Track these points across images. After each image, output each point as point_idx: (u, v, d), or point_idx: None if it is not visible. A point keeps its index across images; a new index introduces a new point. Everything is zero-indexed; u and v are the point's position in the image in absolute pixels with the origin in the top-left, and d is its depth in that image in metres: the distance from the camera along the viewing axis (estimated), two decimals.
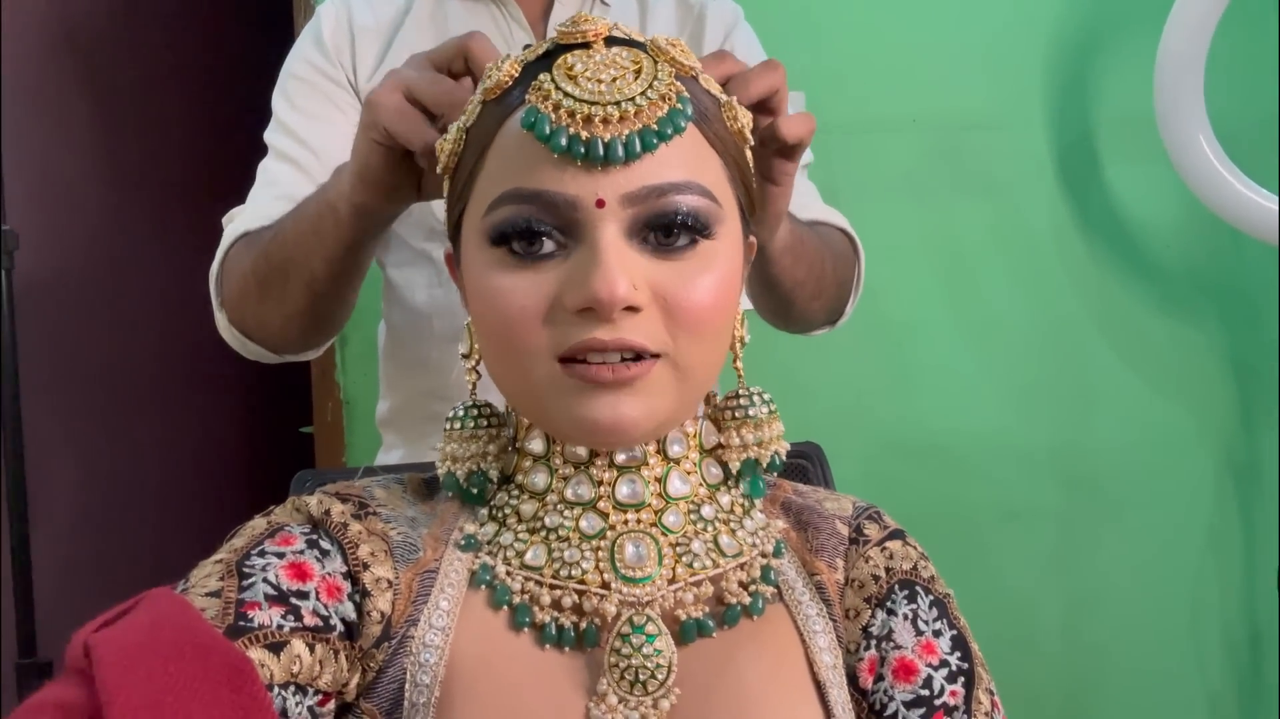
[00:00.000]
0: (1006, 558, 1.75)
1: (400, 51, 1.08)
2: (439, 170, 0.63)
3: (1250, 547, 1.77)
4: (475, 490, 0.63)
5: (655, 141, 0.55)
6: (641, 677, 0.57)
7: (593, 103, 0.55)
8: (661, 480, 0.61)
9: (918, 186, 1.73)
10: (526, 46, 1.08)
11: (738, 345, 0.63)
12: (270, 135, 1.08)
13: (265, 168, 1.07)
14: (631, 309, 0.55)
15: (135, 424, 1.99)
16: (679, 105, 0.56)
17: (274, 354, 0.98)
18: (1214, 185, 1.53)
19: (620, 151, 0.54)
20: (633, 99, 0.55)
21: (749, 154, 0.63)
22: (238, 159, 2.25)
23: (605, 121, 0.55)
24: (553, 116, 0.55)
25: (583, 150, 0.54)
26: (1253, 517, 1.77)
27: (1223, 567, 1.78)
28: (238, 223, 0.98)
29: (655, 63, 0.58)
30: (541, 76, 0.57)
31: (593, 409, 0.56)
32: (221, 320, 0.96)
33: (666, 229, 0.56)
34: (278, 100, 1.09)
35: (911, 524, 0.68)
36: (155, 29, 2.06)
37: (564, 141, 0.54)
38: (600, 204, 0.55)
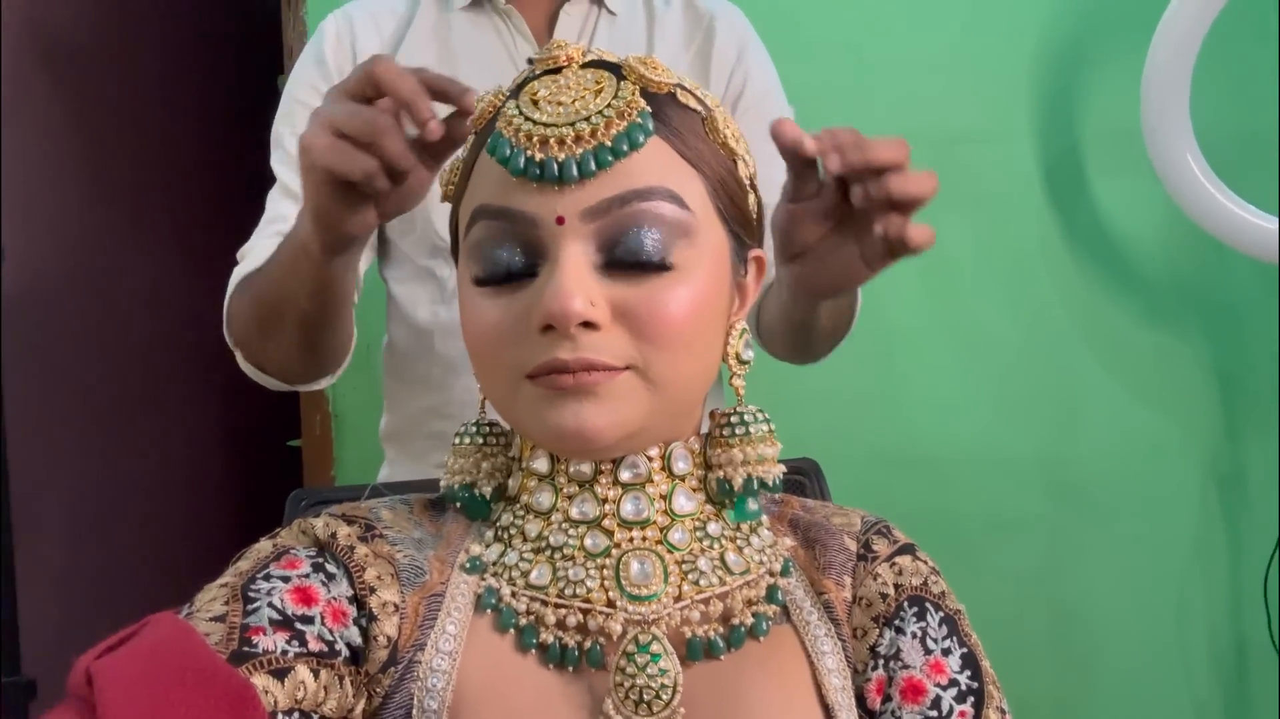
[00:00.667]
0: (994, 568, 1.75)
1: (407, 63, 1.08)
2: (441, 199, 0.64)
3: (1236, 556, 1.78)
4: (474, 502, 0.63)
5: (610, 159, 0.56)
6: (646, 696, 0.56)
7: (549, 124, 0.56)
8: (667, 497, 0.61)
9: None
10: (530, 60, 1.09)
11: (734, 363, 0.63)
12: (274, 164, 1.08)
13: (271, 200, 1.07)
14: (590, 325, 0.55)
15: (121, 438, 1.97)
16: (638, 120, 0.57)
17: (288, 385, 1.00)
18: (1199, 199, 1.54)
19: (574, 170, 0.56)
20: (588, 118, 0.56)
21: (740, 167, 0.63)
22: (225, 173, 2.24)
23: (560, 142, 0.56)
24: (513, 140, 0.57)
25: (538, 171, 0.56)
26: (1238, 527, 1.78)
27: (1209, 576, 1.79)
28: (243, 264, 1.00)
29: (620, 81, 0.58)
30: (508, 104, 0.58)
31: (559, 416, 0.56)
32: (239, 357, 0.98)
33: (635, 241, 0.56)
34: (280, 127, 1.08)
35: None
36: (141, 42, 2.05)
37: (521, 163, 0.56)
38: (560, 221, 0.56)
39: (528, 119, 0.57)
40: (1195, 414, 1.78)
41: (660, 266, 0.57)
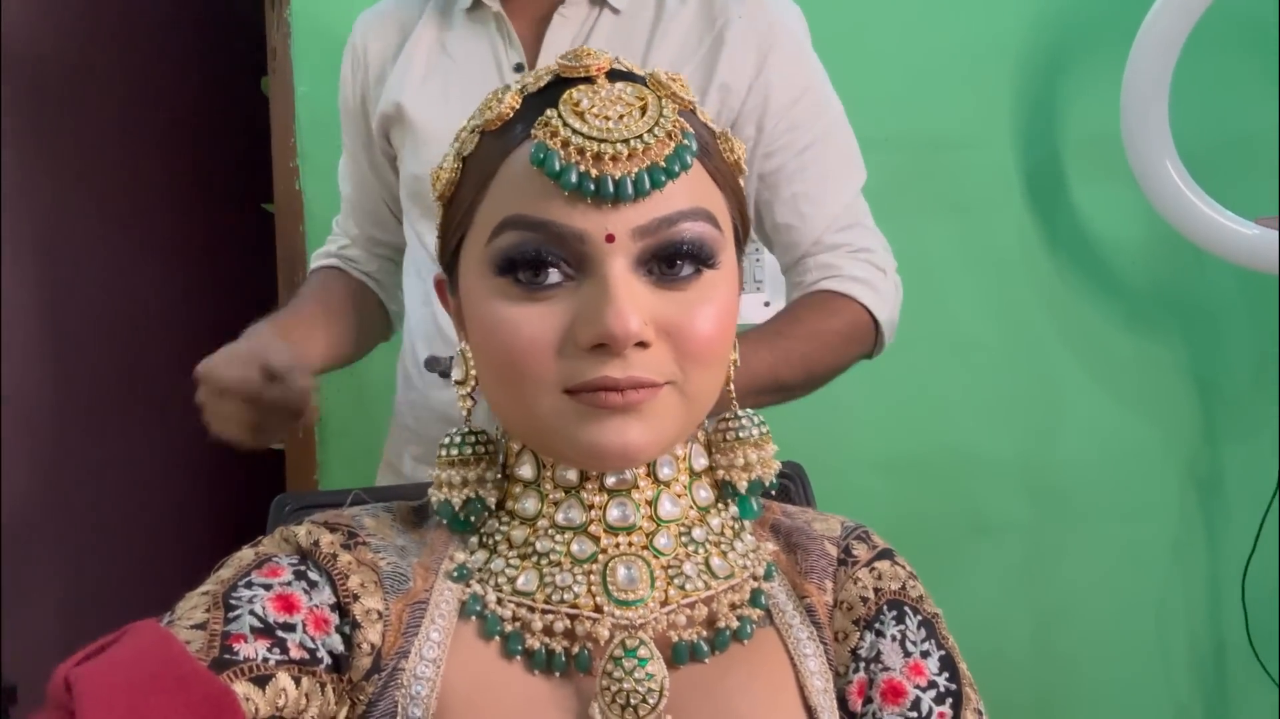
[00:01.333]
0: (976, 571, 1.76)
1: (402, 72, 1.11)
2: (435, 198, 0.63)
3: (1215, 559, 1.80)
4: (472, 519, 0.63)
5: (664, 179, 0.55)
6: (633, 700, 0.57)
7: (602, 140, 0.55)
8: (652, 503, 0.61)
9: (888, 204, 1.71)
10: (518, 67, 1.08)
11: (731, 369, 0.63)
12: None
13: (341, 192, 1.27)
14: (641, 344, 0.55)
15: (104, 442, 1.95)
16: (685, 142, 0.57)
17: None
18: (1178, 206, 1.55)
19: (630, 189, 0.55)
20: (640, 136, 0.56)
21: (742, 183, 0.64)
22: (209, 175, 2.23)
23: (615, 159, 0.55)
24: (562, 153, 0.55)
25: (593, 187, 0.55)
26: (1217, 530, 1.80)
27: (1188, 579, 1.80)
28: (316, 260, 1.25)
29: (659, 99, 0.58)
30: (549, 112, 0.57)
31: (600, 434, 0.56)
32: None
33: (670, 259, 0.56)
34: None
35: (882, 537, 0.68)
36: (124, 44, 2.04)
37: (574, 178, 0.55)
38: (610, 239, 0.55)
39: (576, 132, 0.56)
40: (1174, 418, 1.80)
41: (698, 286, 0.57)
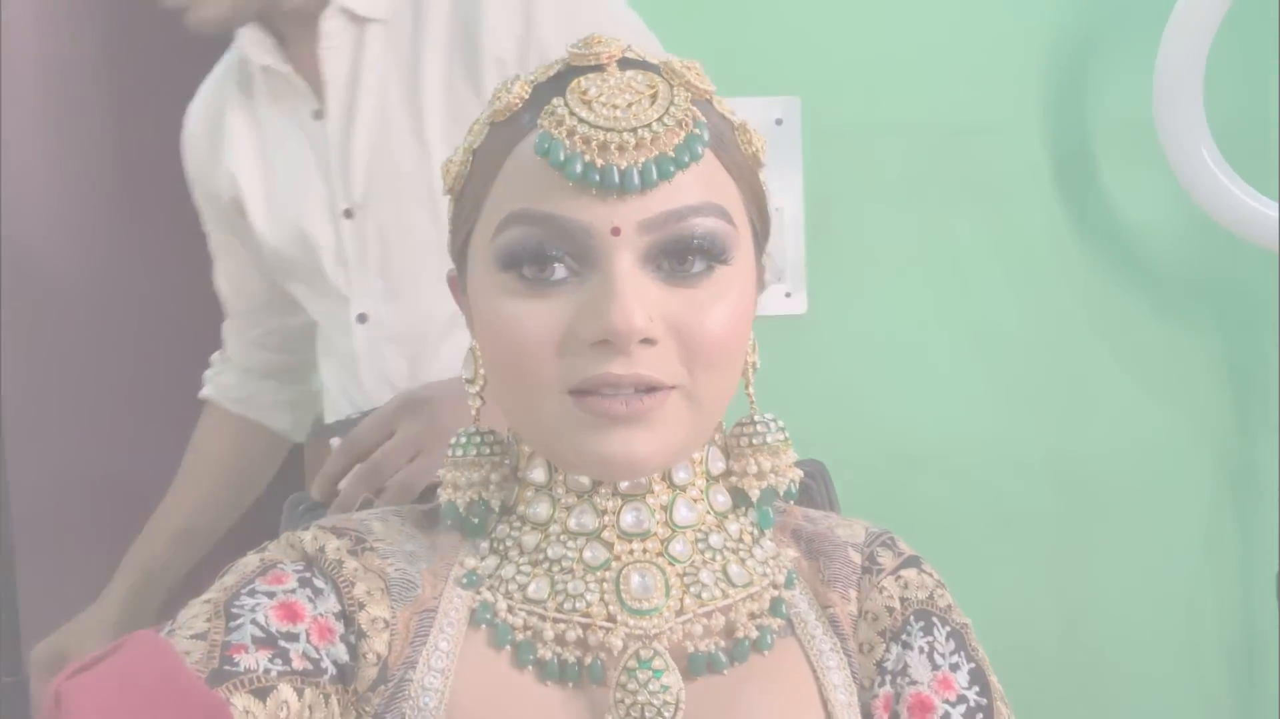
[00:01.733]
0: (1002, 565, 1.74)
1: (228, 153, 1.10)
2: (444, 192, 0.61)
3: (1247, 553, 1.77)
4: (476, 520, 0.61)
5: (672, 169, 0.53)
6: (648, 713, 0.55)
7: (609, 129, 0.53)
8: (667, 508, 0.60)
9: (914, 190, 1.71)
10: (315, 114, 1.10)
11: (749, 371, 0.61)
12: None
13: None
14: (647, 341, 0.53)
15: (120, 434, 1.96)
16: (696, 131, 0.54)
17: None
18: (1213, 191, 1.52)
19: (637, 180, 0.53)
20: (649, 125, 0.54)
21: (761, 177, 0.61)
22: None
23: (621, 149, 0.53)
24: (567, 143, 0.53)
25: (598, 178, 0.53)
26: (1249, 523, 1.77)
27: (1219, 573, 1.78)
28: (208, 386, 1.33)
29: (671, 87, 0.56)
30: (555, 100, 0.55)
31: (605, 444, 0.54)
32: None
33: (680, 255, 0.54)
34: None
35: (907, 532, 0.67)
36: (137, 33, 2.04)
37: (579, 169, 0.53)
38: (615, 232, 0.53)
39: (582, 120, 0.54)
40: (1206, 409, 1.76)
41: (710, 283, 0.55)
